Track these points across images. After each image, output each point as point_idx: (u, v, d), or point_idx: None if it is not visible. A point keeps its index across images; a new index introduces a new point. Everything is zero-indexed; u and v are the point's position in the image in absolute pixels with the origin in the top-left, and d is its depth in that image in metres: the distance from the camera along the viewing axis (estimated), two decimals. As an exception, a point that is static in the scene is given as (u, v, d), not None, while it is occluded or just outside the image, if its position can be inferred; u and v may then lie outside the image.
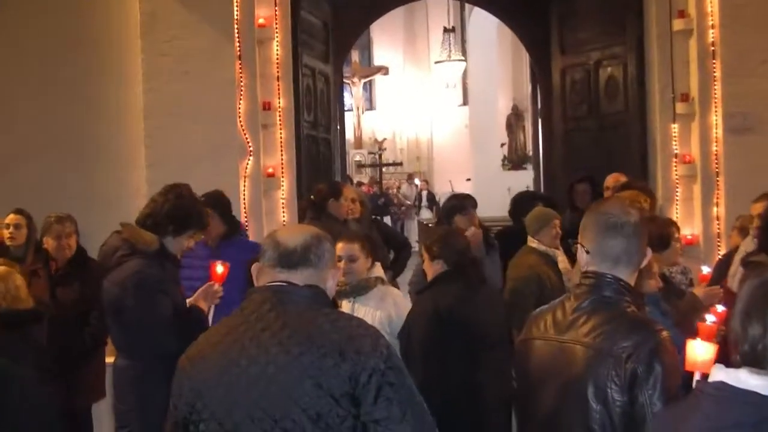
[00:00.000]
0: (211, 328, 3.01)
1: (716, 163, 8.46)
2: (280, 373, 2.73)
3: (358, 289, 5.70)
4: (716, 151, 8.46)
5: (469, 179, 26.86)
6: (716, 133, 8.46)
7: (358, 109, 30.62)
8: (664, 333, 3.14)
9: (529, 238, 7.07)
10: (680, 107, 8.64)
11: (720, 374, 2.36)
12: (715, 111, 8.43)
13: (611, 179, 8.08)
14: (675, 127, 8.69)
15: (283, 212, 8.47)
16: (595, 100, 9.91)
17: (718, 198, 8.45)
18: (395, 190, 27.17)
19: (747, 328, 2.31)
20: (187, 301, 5.27)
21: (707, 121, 8.48)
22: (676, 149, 8.69)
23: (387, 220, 24.41)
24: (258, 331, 2.82)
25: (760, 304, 2.33)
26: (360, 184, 26.12)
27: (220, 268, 5.36)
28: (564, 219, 8.00)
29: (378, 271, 6.13)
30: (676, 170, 8.68)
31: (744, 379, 2.29)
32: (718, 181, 8.46)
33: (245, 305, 2.92)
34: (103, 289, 5.08)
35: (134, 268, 4.96)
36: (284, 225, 2.86)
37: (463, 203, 7.63)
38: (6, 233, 7.25)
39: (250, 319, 2.86)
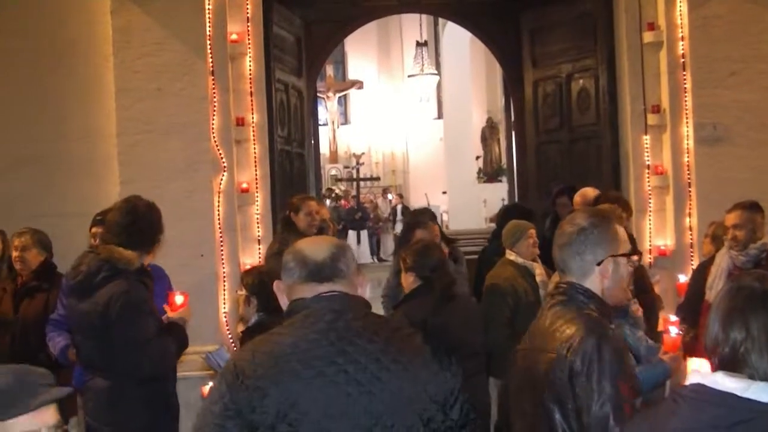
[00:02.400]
0: (264, 341, 2.92)
1: (688, 174, 8.51)
2: (393, 379, 2.80)
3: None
4: (688, 161, 8.51)
5: (444, 192, 26.92)
6: (687, 143, 8.51)
7: (333, 123, 30.69)
8: (610, 328, 3.22)
9: (507, 251, 7.12)
10: (651, 119, 8.68)
11: (697, 377, 2.40)
12: (686, 122, 8.49)
13: (579, 198, 8.12)
14: (647, 139, 8.73)
15: (258, 227, 8.47)
16: (567, 112, 9.96)
17: (690, 208, 8.50)
18: (369, 204, 27.17)
19: (728, 332, 2.36)
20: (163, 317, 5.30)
21: (678, 132, 8.53)
22: (648, 160, 8.74)
23: (363, 234, 24.44)
24: (351, 339, 2.85)
25: (741, 307, 2.38)
26: (337, 198, 26.17)
27: (179, 299, 5.38)
28: (545, 228, 8.10)
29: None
30: (648, 181, 8.72)
31: (721, 381, 2.33)
32: (690, 191, 8.50)
33: (305, 317, 2.92)
34: (84, 310, 5.02)
35: (122, 288, 4.97)
36: (302, 240, 2.84)
37: (419, 219, 7.84)
38: None
39: (324, 328, 2.87)
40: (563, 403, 3.09)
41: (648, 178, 8.74)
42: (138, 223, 5.12)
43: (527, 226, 7.21)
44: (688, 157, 8.53)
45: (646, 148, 8.75)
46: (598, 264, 3.32)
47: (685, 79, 8.47)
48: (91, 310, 4.97)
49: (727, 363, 2.36)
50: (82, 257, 5.21)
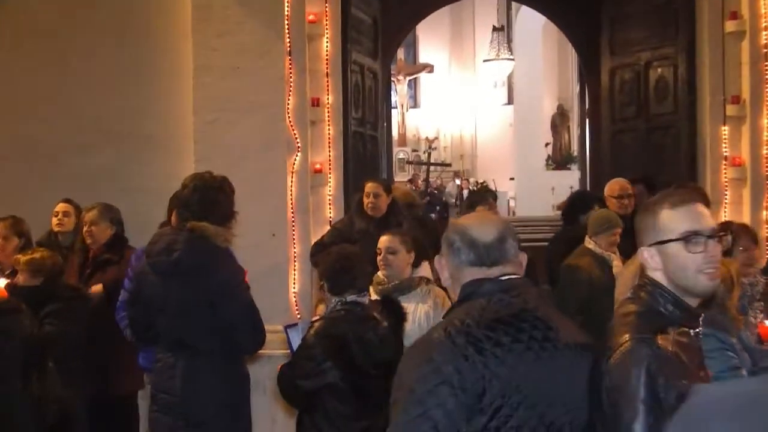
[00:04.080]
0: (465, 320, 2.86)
1: (766, 167, 8.37)
2: (576, 368, 2.91)
3: (401, 288, 5.72)
4: (767, 154, 8.37)
5: (512, 178, 26.81)
6: (767, 135, 8.37)
7: (402, 106, 30.69)
8: (627, 344, 2.92)
9: (587, 238, 7.06)
10: (731, 109, 8.54)
11: None
12: (767, 114, 8.34)
13: (617, 187, 8.08)
14: (725, 130, 8.60)
15: (330, 208, 8.48)
16: (644, 101, 9.83)
17: (767, 201, 8.37)
18: (436, 189, 27.14)
19: None
20: None
21: (758, 124, 8.39)
22: (726, 152, 8.60)
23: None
24: (538, 324, 2.89)
25: None
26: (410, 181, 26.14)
27: None
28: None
29: (425, 270, 6.15)
30: (725, 173, 8.59)
31: None
32: (767, 184, 8.37)
33: (488, 302, 2.91)
34: (186, 289, 5.04)
35: (232, 266, 5.14)
36: (467, 218, 2.84)
37: (483, 195, 7.88)
38: (54, 221, 7.40)
39: (515, 313, 2.88)
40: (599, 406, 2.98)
41: (725, 169, 8.61)
42: (217, 198, 5.15)
43: (618, 223, 7.10)
44: (767, 149, 8.38)
45: (724, 139, 8.62)
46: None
47: (766, 70, 8.32)
48: (195, 289, 5.00)
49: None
50: (171, 235, 5.20)
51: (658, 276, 3.09)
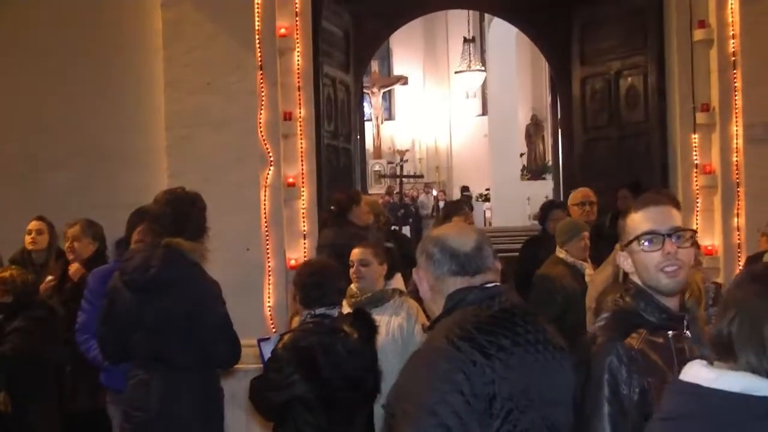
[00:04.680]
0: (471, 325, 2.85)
1: (737, 174, 8.42)
2: (563, 372, 2.96)
3: (374, 300, 5.73)
4: (737, 161, 8.43)
5: (488, 189, 26.87)
6: (737, 143, 8.43)
7: (377, 118, 30.74)
8: (599, 340, 3.12)
9: (557, 248, 7.10)
10: (701, 117, 8.60)
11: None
12: (736, 121, 8.41)
13: (579, 195, 8.18)
14: (695, 137, 8.65)
15: (304, 221, 8.49)
16: (616, 109, 9.91)
17: (738, 209, 8.42)
18: (410, 200, 27.18)
19: (721, 319, 2.33)
20: None
21: (728, 132, 8.45)
22: (697, 159, 8.66)
23: (406, 230, 24.45)
24: (529, 329, 2.91)
25: (737, 296, 2.34)
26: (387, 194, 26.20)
27: None
28: (605, 224, 8.15)
29: (397, 282, 6.17)
30: (696, 181, 8.64)
31: (695, 371, 2.34)
32: (738, 191, 8.42)
33: (478, 309, 2.92)
34: (162, 305, 5.01)
35: (206, 281, 5.15)
36: (440, 228, 2.85)
37: (458, 205, 8.35)
38: (28, 239, 7.37)
39: (507, 318, 2.90)
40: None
41: (696, 177, 8.66)
42: (190, 213, 5.15)
43: (583, 227, 7.17)
44: (737, 156, 8.44)
45: (695, 146, 8.67)
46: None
47: (735, 78, 8.39)
48: (173, 305, 4.98)
49: (718, 352, 2.32)
50: (146, 252, 5.17)
51: (636, 279, 3.20)
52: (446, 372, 2.72)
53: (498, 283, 3.02)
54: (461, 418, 2.66)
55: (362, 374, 4.97)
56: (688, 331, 3.13)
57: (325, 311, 5.02)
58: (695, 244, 3.26)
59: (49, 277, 7.02)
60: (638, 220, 3.18)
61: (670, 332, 3.11)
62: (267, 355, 5.12)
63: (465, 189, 26.79)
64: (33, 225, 7.49)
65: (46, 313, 6.32)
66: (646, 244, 3.13)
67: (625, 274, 5.06)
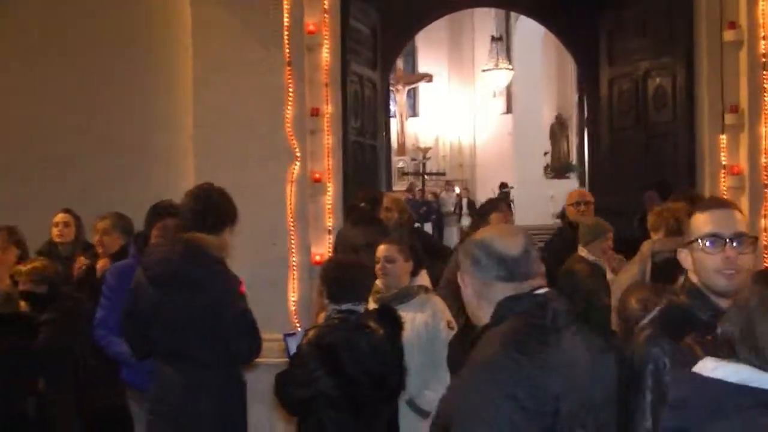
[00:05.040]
0: (516, 336, 2.77)
1: (765, 175, 8.37)
2: (610, 372, 2.93)
3: (400, 296, 5.72)
4: (765, 162, 8.37)
5: (511, 187, 26.83)
6: (765, 144, 8.37)
7: (401, 115, 30.77)
8: (646, 332, 3.23)
9: (580, 247, 7.08)
10: (729, 118, 8.55)
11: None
12: (765, 122, 8.33)
13: (575, 195, 8.18)
14: (723, 138, 8.60)
15: (329, 218, 8.49)
16: (643, 110, 9.88)
17: (766, 210, 8.36)
18: (432, 197, 27.16)
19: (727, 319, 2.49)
20: None
21: (756, 132, 8.39)
22: (724, 160, 8.60)
23: (428, 227, 24.44)
24: (580, 336, 2.87)
25: (744, 297, 2.46)
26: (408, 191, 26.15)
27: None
28: (634, 226, 8.17)
29: (423, 279, 6.16)
30: (723, 181, 8.59)
31: (702, 364, 2.47)
32: (766, 192, 8.37)
33: (532, 314, 2.83)
34: (182, 300, 5.00)
35: (228, 276, 5.10)
36: (485, 230, 2.75)
37: (495, 202, 8.12)
38: (55, 231, 7.41)
39: (551, 327, 2.82)
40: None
41: (723, 178, 8.61)
42: (214, 208, 5.15)
43: (608, 228, 7.15)
44: (765, 158, 8.38)
45: (723, 147, 8.62)
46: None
47: (765, 79, 8.31)
48: (193, 301, 4.97)
49: (723, 349, 2.45)
50: (167, 246, 5.21)
51: (693, 277, 3.26)
52: (501, 384, 2.66)
53: (547, 289, 2.94)
54: (518, 427, 2.61)
55: (386, 371, 4.98)
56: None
57: (351, 307, 5.03)
58: (756, 249, 3.28)
59: (82, 262, 7.02)
60: (702, 221, 3.24)
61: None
62: (293, 350, 5.13)
63: (503, 185, 26.62)
64: (60, 217, 7.54)
65: (74, 305, 6.34)
66: (708, 245, 3.19)
67: (652, 274, 5.08)
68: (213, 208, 5.14)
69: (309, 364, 4.84)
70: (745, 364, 2.35)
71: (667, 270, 3.47)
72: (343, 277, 5.10)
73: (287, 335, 5.38)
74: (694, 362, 2.98)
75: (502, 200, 8.25)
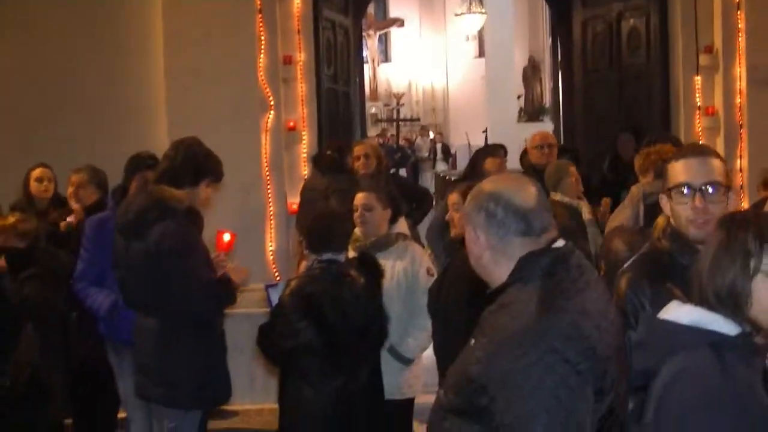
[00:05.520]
0: (556, 292, 2.60)
1: (740, 116, 8.39)
2: (618, 318, 2.82)
3: (379, 245, 5.68)
4: (740, 103, 8.39)
5: (485, 131, 26.78)
6: (740, 85, 8.39)
7: (373, 61, 30.63)
8: (626, 275, 3.36)
9: (551, 193, 7.07)
10: (703, 59, 8.55)
11: None
12: (740, 63, 8.35)
13: (538, 137, 8.15)
14: (698, 80, 8.61)
15: (305, 167, 8.47)
16: (617, 52, 9.81)
17: (741, 150, 8.40)
18: (406, 143, 27.12)
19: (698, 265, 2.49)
20: None
21: (731, 74, 8.41)
22: (699, 102, 8.62)
23: (403, 173, 24.44)
24: (599, 294, 2.71)
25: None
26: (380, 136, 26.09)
27: (226, 237, 5.36)
28: (604, 168, 8.12)
29: (401, 227, 6.14)
30: (698, 123, 8.61)
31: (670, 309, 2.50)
32: (741, 133, 8.40)
33: (564, 273, 2.66)
34: (136, 250, 4.96)
35: (171, 227, 4.91)
36: (494, 181, 2.55)
37: (494, 147, 8.13)
38: (39, 187, 7.33)
39: (579, 282, 2.65)
40: None
41: (698, 119, 8.63)
42: (191, 162, 5.10)
43: (567, 164, 7.15)
44: (740, 98, 8.41)
45: (698, 88, 8.63)
46: None
47: (739, 20, 8.32)
48: (143, 250, 4.92)
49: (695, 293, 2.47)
50: (133, 197, 5.21)
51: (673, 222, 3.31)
52: (555, 350, 2.47)
53: (564, 242, 2.77)
54: (573, 391, 2.46)
55: (369, 320, 4.99)
56: None
57: (331, 257, 5.02)
58: (728, 198, 3.28)
59: (70, 219, 6.93)
60: (677, 170, 3.27)
61: None
62: (275, 301, 5.11)
63: (485, 132, 26.49)
64: (41, 173, 7.42)
65: (52, 259, 6.31)
66: (680, 195, 3.23)
67: (645, 216, 5.12)
68: (190, 162, 5.07)
69: (291, 315, 4.83)
70: (699, 306, 2.39)
71: (657, 213, 3.47)
72: (321, 227, 5.08)
73: (268, 286, 5.36)
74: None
75: (500, 146, 8.12)
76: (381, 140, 25.70)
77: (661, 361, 2.37)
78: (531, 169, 7.99)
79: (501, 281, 2.74)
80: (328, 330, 4.82)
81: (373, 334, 5.04)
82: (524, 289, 2.65)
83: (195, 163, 5.11)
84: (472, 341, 2.73)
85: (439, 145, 27.67)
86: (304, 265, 5.51)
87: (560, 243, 2.76)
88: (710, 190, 3.18)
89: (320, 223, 5.11)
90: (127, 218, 5.03)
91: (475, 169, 7.43)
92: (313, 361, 4.85)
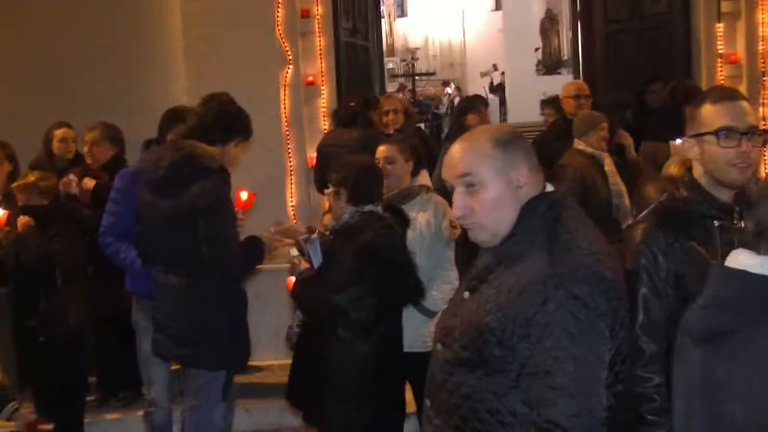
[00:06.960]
0: (581, 239, 2.57)
1: (762, 63, 8.30)
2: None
3: (401, 197, 5.66)
4: (762, 50, 8.30)
5: (494, 66, 26.58)
6: (762, 31, 8.28)
7: (389, 15, 30.41)
8: (642, 225, 3.32)
9: (576, 140, 7.04)
10: (725, 6, 8.45)
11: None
12: (762, 9, 8.25)
13: (573, 87, 8.11)
14: (720, 27, 8.51)
15: (324, 120, 8.44)
16: (638, 0, 9.73)
17: (764, 98, 8.32)
18: (423, 98, 27.04)
19: (756, 209, 2.46)
20: None
21: (753, 20, 8.30)
22: (721, 49, 8.52)
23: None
24: (598, 234, 2.69)
25: None
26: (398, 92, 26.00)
27: (244, 195, 5.33)
28: (627, 118, 8.06)
29: (424, 179, 6.12)
30: (721, 71, 8.52)
31: (739, 259, 2.43)
32: (764, 80, 8.31)
33: (563, 213, 2.63)
34: (167, 206, 4.91)
35: (207, 185, 4.87)
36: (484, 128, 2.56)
37: (473, 102, 8.20)
38: (63, 146, 7.36)
39: (581, 225, 2.64)
40: None
41: (720, 67, 8.54)
42: (224, 119, 5.04)
43: (602, 118, 7.11)
44: (762, 45, 8.31)
45: (719, 36, 8.53)
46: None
47: (763, -35, 8.22)
48: (175, 206, 4.87)
49: (750, 242, 2.42)
50: (162, 152, 5.12)
51: (697, 170, 3.24)
52: (575, 298, 2.42)
53: (553, 188, 2.73)
54: (601, 345, 2.43)
55: (412, 269, 5.00)
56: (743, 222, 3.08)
57: (372, 208, 4.99)
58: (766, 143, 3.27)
59: (92, 183, 6.94)
60: (715, 113, 3.17)
61: (716, 222, 3.15)
62: (315, 254, 5.00)
63: (484, 74, 26.40)
64: (65, 133, 7.39)
65: (76, 215, 6.35)
66: (723, 139, 3.13)
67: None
68: (222, 119, 5.02)
69: (350, 268, 4.79)
70: None
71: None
72: (367, 179, 5.04)
73: (305, 240, 5.23)
74: (690, 254, 3.10)
75: (480, 98, 8.15)
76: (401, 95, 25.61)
77: (758, 321, 2.30)
78: (563, 120, 8.00)
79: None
80: (383, 280, 4.82)
81: (409, 284, 5.05)
82: (529, 237, 2.61)
83: (227, 121, 5.06)
84: (466, 294, 2.69)
85: (456, 100, 27.55)
86: (328, 218, 5.48)
87: (550, 188, 2.73)
88: (751, 134, 3.13)
89: (365, 176, 5.06)
90: (158, 173, 4.98)
91: (461, 123, 7.59)
92: (360, 312, 4.79)
